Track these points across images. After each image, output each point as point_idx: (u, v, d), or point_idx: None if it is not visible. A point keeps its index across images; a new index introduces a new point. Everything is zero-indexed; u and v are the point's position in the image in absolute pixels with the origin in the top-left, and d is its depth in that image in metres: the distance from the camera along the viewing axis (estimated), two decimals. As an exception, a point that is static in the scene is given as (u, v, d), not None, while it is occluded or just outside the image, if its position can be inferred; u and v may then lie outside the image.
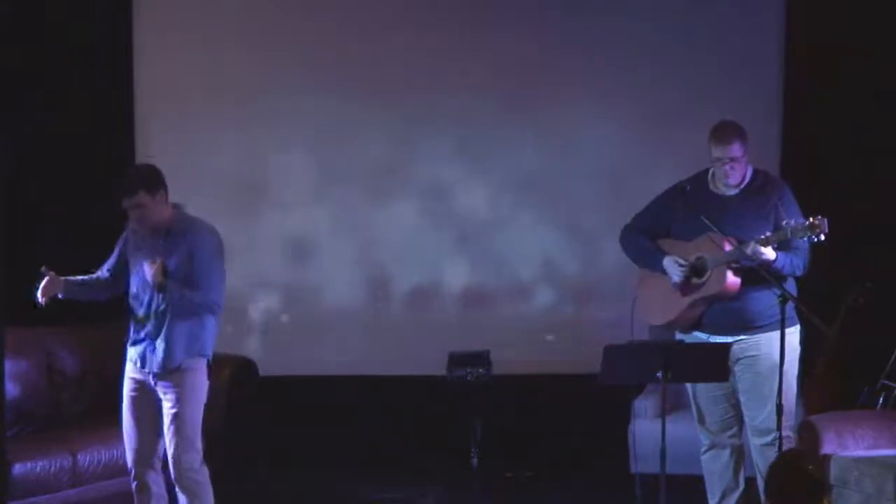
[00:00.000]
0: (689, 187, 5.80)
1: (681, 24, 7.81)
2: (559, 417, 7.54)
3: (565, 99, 7.94)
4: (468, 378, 7.08)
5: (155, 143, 7.89)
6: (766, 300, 5.65)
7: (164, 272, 5.63)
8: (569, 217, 8.01)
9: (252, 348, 7.77)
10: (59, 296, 5.80)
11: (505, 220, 8.04)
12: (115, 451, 6.36)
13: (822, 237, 5.44)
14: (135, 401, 5.83)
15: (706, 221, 5.61)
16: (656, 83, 7.83)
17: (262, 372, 7.22)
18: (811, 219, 5.46)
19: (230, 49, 7.90)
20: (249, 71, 7.90)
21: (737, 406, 5.87)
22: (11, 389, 6.38)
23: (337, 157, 8.00)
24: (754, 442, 5.80)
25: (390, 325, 8.00)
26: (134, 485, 5.85)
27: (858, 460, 5.77)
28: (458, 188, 8.05)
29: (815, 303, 5.70)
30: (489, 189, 8.04)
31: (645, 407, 6.82)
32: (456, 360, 7.15)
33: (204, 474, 5.79)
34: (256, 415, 7.07)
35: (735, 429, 5.92)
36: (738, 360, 5.76)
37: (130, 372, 5.86)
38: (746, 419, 5.85)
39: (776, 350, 5.56)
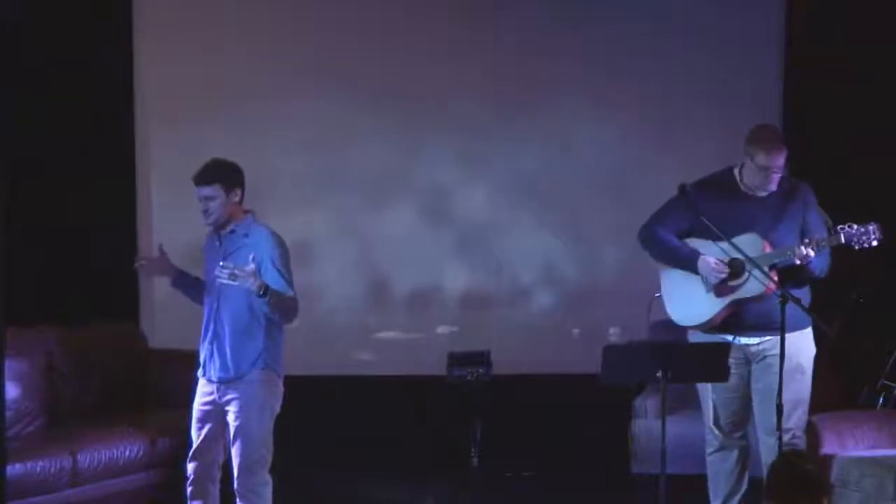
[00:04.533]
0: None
1: (681, 24, 7.82)
2: (559, 417, 7.53)
3: (565, 102, 7.95)
4: (468, 378, 7.06)
5: (155, 145, 7.91)
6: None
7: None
8: (569, 219, 8.01)
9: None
10: (171, 283, 5.69)
11: (505, 222, 8.04)
12: (115, 451, 6.35)
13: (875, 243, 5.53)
14: (201, 410, 5.64)
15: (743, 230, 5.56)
16: (656, 84, 7.84)
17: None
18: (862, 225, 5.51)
19: (230, 52, 7.91)
20: (249, 74, 7.91)
21: (746, 407, 5.82)
22: (11, 389, 6.35)
23: (337, 160, 8.01)
24: (768, 442, 5.67)
25: (390, 325, 8.00)
26: (189, 490, 5.69)
27: (859, 460, 5.77)
28: (458, 191, 8.06)
29: (815, 303, 5.70)
30: (489, 192, 8.05)
31: (645, 407, 6.80)
32: (456, 360, 7.13)
33: (266, 493, 5.62)
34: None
35: (744, 430, 5.88)
36: (761, 359, 5.71)
37: (201, 381, 5.66)
38: (761, 419, 5.74)
39: (798, 351, 5.56)
